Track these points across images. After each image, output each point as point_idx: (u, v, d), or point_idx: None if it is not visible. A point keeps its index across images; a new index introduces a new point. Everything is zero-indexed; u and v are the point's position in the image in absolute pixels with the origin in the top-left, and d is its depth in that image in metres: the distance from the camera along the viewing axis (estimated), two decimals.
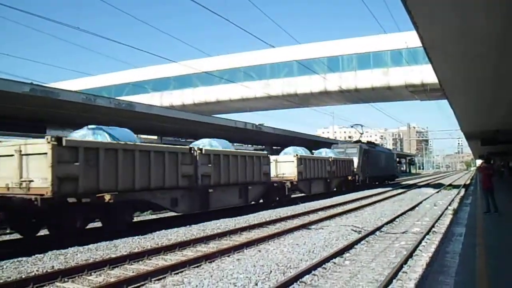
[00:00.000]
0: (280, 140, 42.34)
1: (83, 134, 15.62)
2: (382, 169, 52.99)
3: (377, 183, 48.99)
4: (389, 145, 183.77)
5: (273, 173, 26.85)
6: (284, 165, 28.85)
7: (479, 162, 75.00)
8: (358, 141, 48.81)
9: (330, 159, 35.54)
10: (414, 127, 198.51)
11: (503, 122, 27.00)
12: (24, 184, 13.24)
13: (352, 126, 53.24)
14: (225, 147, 22.63)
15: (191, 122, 29.71)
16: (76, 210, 13.66)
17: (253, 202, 24.14)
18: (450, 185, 50.03)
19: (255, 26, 41.59)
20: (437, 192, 37.63)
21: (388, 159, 58.82)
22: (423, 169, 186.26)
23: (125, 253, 11.84)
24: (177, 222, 17.24)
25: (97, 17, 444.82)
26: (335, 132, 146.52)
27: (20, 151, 13.44)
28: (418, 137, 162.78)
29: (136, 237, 14.37)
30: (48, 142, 12.80)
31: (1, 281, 9.13)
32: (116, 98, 29.66)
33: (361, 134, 51.23)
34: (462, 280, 7.89)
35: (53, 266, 10.38)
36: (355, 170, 41.28)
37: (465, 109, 23.38)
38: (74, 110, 22.18)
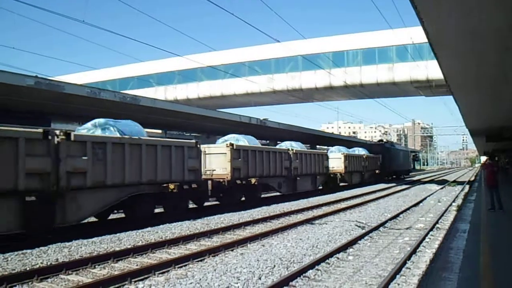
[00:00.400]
0: (284, 135, 42.29)
1: (231, 140, 23.21)
2: (401, 164, 60.85)
3: (394, 176, 55.90)
4: (393, 141, 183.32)
5: None
6: (334, 161, 36.67)
7: (483, 158, 75.08)
8: (381, 141, 58.67)
9: (364, 156, 43.78)
10: (418, 123, 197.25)
11: (508, 119, 26.86)
12: (208, 172, 21.15)
13: (376, 128, 66.18)
14: (302, 147, 31.19)
15: (195, 116, 29.69)
16: (239, 188, 22.41)
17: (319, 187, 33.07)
18: (454, 181, 49.96)
19: (261, 20, 41.47)
20: (441, 188, 37.56)
21: (405, 156, 66.88)
22: (427, 165, 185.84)
23: (129, 246, 11.90)
24: (182, 216, 17.28)
25: (101, 11, 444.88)
26: (339, 127, 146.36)
27: (205, 151, 21.08)
28: (423, 133, 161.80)
29: (140, 230, 14.43)
30: (227, 147, 21.33)
31: (6, 273, 9.19)
32: (121, 91, 29.64)
33: (384, 134, 61.84)
34: (466, 276, 7.89)
35: (57, 259, 10.43)
36: (380, 165, 49.59)
37: (470, 105, 23.26)
38: (79, 104, 22.21)
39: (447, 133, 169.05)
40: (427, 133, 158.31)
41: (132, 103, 24.21)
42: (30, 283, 8.76)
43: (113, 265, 10.30)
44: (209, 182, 20.14)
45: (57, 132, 13.24)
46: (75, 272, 9.60)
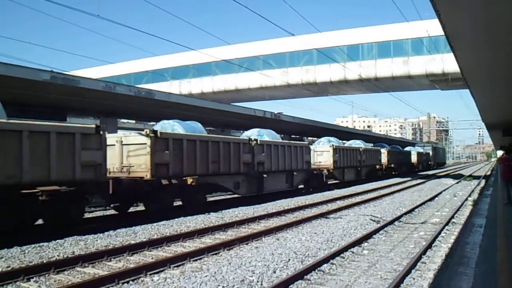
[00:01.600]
0: (299, 129, 42.23)
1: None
2: (440, 158, 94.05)
3: (434, 166, 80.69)
4: (408, 135, 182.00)
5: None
6: (414, 156, 63.62)
7: (500, 153, 74.49)
8: (429, 142, 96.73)
9: (424, 153, 72.86)
10: (434, 117, 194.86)
11: None
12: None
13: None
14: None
15: (210, 110, 29.73)
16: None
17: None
18: (470, 176, 49.50)
19: (275, 14, 41.32)
20: (457, 182, 37.24)
21: (442, 152, 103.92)
22: None
23: (144, 240, 11.98)
24: (197, 210, 17.35)
25: (116, 5, 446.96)
26: (354, 121, 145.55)
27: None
28: (438, 127, 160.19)
29: (155, 224, 14.52)
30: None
31: (23, 265, 9.30)
32: (136, 86, 29.77)
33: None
34: (483, 271, 7.82)
35: (73, 252, 10.55)
36: (430, 158, 77.77)
37: (487, 99, 22.99)
38: (94, 98, 22.35)
39: (463, 127, 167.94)
40: (442, 127, 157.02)
41: (147, 97, 24.29)
42: (46, 275, 8.86)
43: (128, 258, 10.38)
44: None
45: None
46: (91, 264, 9.68)
